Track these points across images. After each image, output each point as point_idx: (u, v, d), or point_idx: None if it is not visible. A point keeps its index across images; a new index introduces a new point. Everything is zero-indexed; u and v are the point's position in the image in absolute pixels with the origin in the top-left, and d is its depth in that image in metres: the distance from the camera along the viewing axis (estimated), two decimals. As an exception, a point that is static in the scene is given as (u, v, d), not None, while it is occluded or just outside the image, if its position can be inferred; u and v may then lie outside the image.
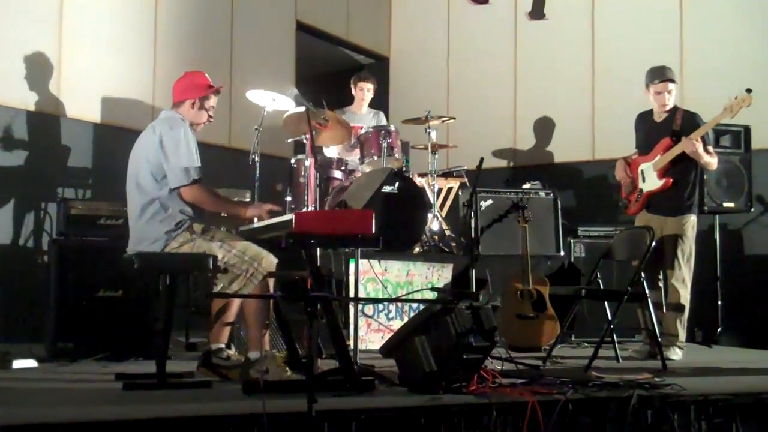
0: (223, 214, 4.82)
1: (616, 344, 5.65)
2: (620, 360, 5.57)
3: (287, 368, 4.33)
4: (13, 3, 6.26)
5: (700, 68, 7.86)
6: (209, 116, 4.79)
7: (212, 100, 4.78)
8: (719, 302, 7.04)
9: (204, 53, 7.75)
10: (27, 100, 6.36)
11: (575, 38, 8.81)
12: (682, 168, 5.84)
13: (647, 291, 5.48)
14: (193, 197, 4.49)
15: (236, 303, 4.55)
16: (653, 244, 5.47)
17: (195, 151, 4.56)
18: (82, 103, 6.72)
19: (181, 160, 4.45)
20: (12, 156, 6.29)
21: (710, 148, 5.88)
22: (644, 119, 6.16)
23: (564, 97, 8.77)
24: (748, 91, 5.61)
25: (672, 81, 5.96)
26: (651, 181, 5.95)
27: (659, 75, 5.97)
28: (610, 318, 5.49)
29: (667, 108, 5.96)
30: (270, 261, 4.45)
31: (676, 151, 5.78)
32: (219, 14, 8.07)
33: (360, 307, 5.51)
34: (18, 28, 6.27)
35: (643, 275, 5.44)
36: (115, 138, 6.81)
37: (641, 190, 6.01)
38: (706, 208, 6.80)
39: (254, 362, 4.32)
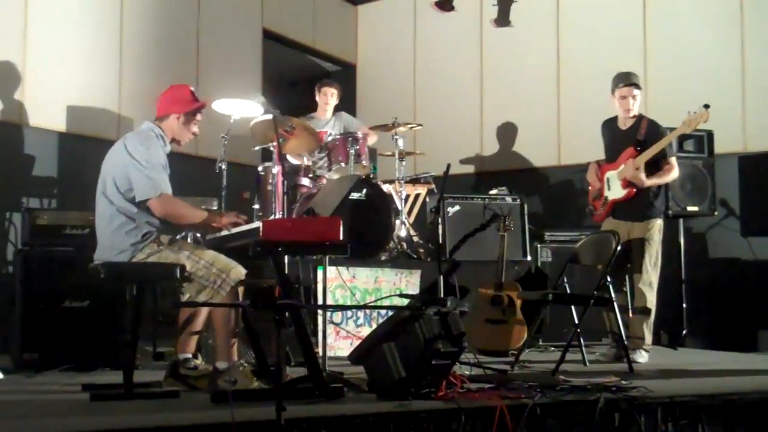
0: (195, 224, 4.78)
1: (583, 348, 5.69)
2: (587, 363, 5.61)
3: (255, 378, 4.32)
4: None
5: (664, 75, 7.95)
6: (194, 132, 4.77)
7: (198, 116, 4.76)
8: (684, 305, 7.12)
9: (170, 62, 7.72)
10: (-10, 109, 6.32)
11: (540, 45, 8.88)
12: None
13: (613, 295, 5.54)
14: (163, 210, 4.44)
15: (203, 313, 4.53)
16: (619, 248, 5.52)
17: (164, 167, 4.54)
18: (47, 112, 6.66)
19: (148, 174, 4.41)
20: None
21: (672, 160, 5.92)
22: (609, 126, 6.21)
23: (530, 104, 8.84)
24: (706, 106, 5.68)
25: (637, 86, 6.01)
26: (616, 189, 6.00)
27: (624, 79, 6.03)
28: (576, 322, 5.54)
29: (632, 114, 6.02)
30: (238, 272, 4.43)
31: (629, 172, 5.86)
32: (185, 23, 8.05)
33: (328, 314, 5.51)
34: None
35: (609, 279, 5.49)
36: (80, 147, 6.77)
37: (606, 198, 6.07)
38: (670, 212, 6.88)
39: (222, 372, 4.31)
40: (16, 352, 5.23)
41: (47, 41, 6.68)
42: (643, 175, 5.78)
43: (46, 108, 6.65)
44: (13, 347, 5.29)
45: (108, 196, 4.46)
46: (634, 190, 5.88)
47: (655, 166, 5.88)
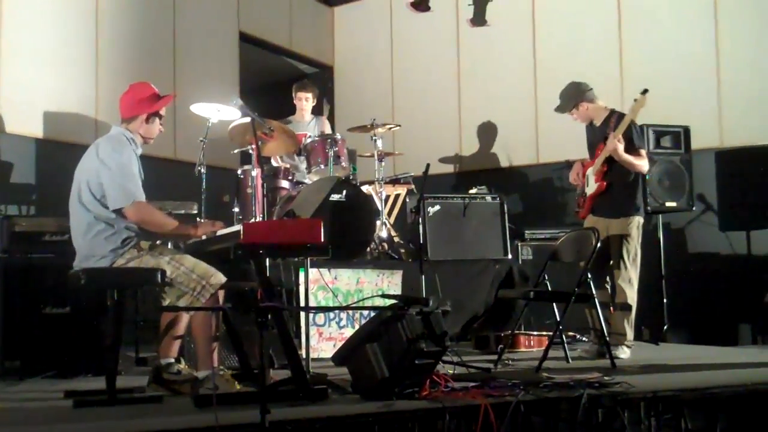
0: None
1: (566, 345, 5.72)
2: (570, 360, 5.63)
3: (236, 382, 4.31)
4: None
5: (640, 72, 8.00)
6: (161, 128, 4.74)
7: (162, 110, 4.74)
8: (665, 300, 7.16)
9: (147, 66, 7.69)
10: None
11: (517, 44, 8.92)
12: (618, 170, 5.92)
13: (594, 291, 5.56)
14: (137, 217, 4.40)
15: (185, 317, 4.51)
16: (598, 245, 5.55)
17: (137, 172, 4.50)
18: (23, 119, 6.61)
19: (121, 181, 4.38)
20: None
21: (642, 151, 5.96)
22: (589, 127, 6.26)
23: (508, 103, 8.88)
24: (645, 91, 5.74)
25: (568, 110, 6.13)
26: (592, 184, 6.05)
27: (561, 108, 6.19)
28: (558, 319, 5.56)
29: (587, 120, 6.13)
30: (218, 278, 4.41)
31: (605, 153, 5.89)
32: (161, 27, 8.02)
33: (311, 316, 5.51)
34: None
35: (589, 276, 5.52)
36: (58, 153, 6.73)
37: (586, 194, 6.11)
38: (649, 208, 6.92)
39: (203, 380, 4.30)
40: (-3, 360, 5.20)
41: (21, 47, 6.63)
42: (620, 147, 5.80)
43: (22, 114, 6.61)
44: (-6, 355, 5.25)
45: (84, 203, 4.42)
46: (605, 183, 5.93)
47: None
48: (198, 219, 6.09)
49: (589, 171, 6.08)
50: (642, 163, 5.93)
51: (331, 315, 5.98)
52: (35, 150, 6.78)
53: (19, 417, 3.91)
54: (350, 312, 6.02)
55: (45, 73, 6.81)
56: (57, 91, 6.91)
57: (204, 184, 6.13)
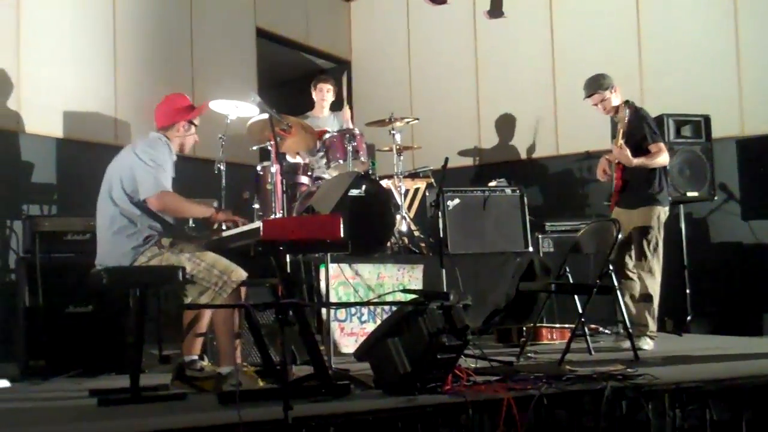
0: (191, 221, 4.80)
1: (588, 337, 5.69)
2: (593, 352, 5.61)
3: (259, 379, 4.32)
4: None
5: (659, 61, 7.95)
6: (196, 137, 4.87)
7: (197, 120, 4.82)
8: (687, 291, 7.12)
9: (164, 64, 7.71)
10: (-14, 117, 6.31)
11: (535, 35, 8.88)
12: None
13: (616, 282, 5.54)
14: (161, 204, 4.47)
15: (207, 314, 4.54)
16: (620, 235, 5.53)
17: (170, 169, 4.59)
18: (43, 119, 6.65)
19: (154, 174, 4.45)
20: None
21: (657, 145, 5.91)
22: (613, 117, 6.23)
23: (526, 94, 8.84)
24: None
25: (592, 95, 6.07)
26: (615, 177, 6.04)
27: (584, 92, 6.12)
28: (580, 311, 5.54)
29: (608, 113, 6.09)
30: (239, 274, 4.44)
31: (614, 158, 5.93)
32: (178, 25, 8.03)
33: (332, 311, 5.51)
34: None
35: (611, 267, 5.49)
36: (78, 152, 6.77)
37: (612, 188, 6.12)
38: (670, 198, 6.86)
39: (226, 377, 4.32)
40: (22, 359, 5.24)
41: (41, 47, 6.66)
42: (627, 152, 5.81)
43: (42, 114, 6.64)
44: (19, 355, 5.29)
45: (113, 198, 4.50)
46: (622, 179, 5.94)
47: (641, 151, 5.90)
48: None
49: (613, 165, 6.07)
50: (658, 159, 5.89)
51: (353, 310, 5.98)
52: (56, 150, 6.81)
53: (44, 416, 3.94)
54: (371, 307, 6.02)
55: (64, 73, 6.83)
56: (76, 90, 6.93)
57: (224, 181, 6.14)
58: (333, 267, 5.57)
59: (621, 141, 5.81)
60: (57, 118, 6.78)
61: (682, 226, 7.25)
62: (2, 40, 6.43)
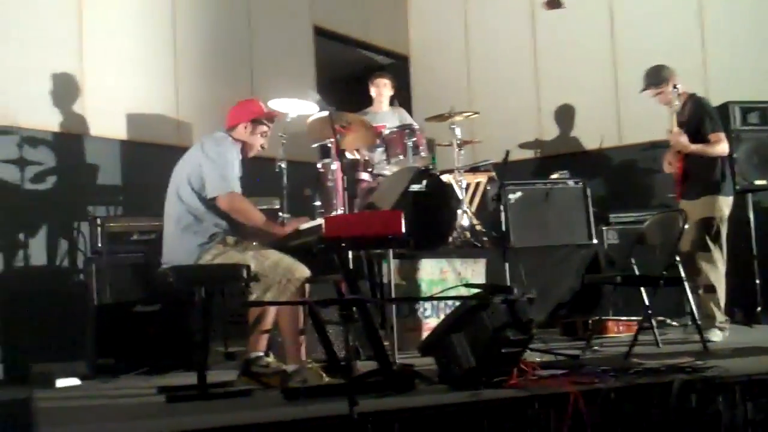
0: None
1: (655, 329, 5.61)
2: (660, 345, 5.52)
3: (324, 375, 4.34)
4: (32, 27, 6.29)
5: (722, 48, 7.79)
6: (263, 143, 4.89)
7: (265, 125, 4.89)
8: (757, 281, 6.96)
9: (224, 65, 7.79)
10: (53, 121, 6.42)
11: (594, 24, 8.76)
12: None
13: (683, 274, 5.45)
14: (230, 205, 4.52)
15: (272, 311, 4.56)
16: (686, 226, 5.44)
17: (237, 168, 4.64)
18: (107, 121, 6.76)
19: (221, 171, 4.50)
20: (41, 178, 6.35)
21: (716, 135, 5.83)
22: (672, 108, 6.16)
23: (587, 85, 8.73)
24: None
25: (650, 86, 5.99)
26: (676, 167, 5.97)
27: (642, 84, 6.02)
28: (646, 303, 5.45)
29: (673, 107, 6.01)
30: (302, 271, 4.47)
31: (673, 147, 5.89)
32: (237, 25, 8.10)
33: (394, 307, 5.51)
34: (39, 52, 6.31)
35: (678, 258, 5.40)
36: (142, 154, 6.87)
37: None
38: (737, 187, 6.72)
39: (292, 373, 4.34)
40: (91, 357, 5.34)
41: (103, 51, 6.77)
42: (684, 138, 5.78)
43: (106, 117, 6.75)
44: (89, 353, 5.40)
45: (181, 196, 4.56)
46: (682, 168, 5.88)
47: (700, 140, 5.84)
48: (280, 214, 6.16)
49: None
50: (717, 148, 5.81)
51: (415, 305, 5.97)
52: (120, 152, 6.92)
53: (116, 412, 4.00)
54: (434, 302, 6.00)
55: (126, 76, 6.94)
56: (138, 93, 7.04)
57: (285, 179, 6.18)
58: (395, 262, 5.56)
59: (676, 128, 5.74)
60: (120, 121, 6.89)
61: (750, 215, 7.08)
62: (66, 46, 6.56)
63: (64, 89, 6.50)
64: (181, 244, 4.51)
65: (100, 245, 5.58)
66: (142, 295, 5.42)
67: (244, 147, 4.82)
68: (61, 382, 4.91)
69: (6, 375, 5.77)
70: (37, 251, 6.25)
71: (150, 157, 6.77)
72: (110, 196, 6.82)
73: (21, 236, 6.21)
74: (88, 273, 5.58)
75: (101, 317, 5.37)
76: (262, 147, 4.93)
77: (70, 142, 6.58)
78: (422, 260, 6.05)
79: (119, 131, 6.88)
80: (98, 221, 5.68)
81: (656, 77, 6.00)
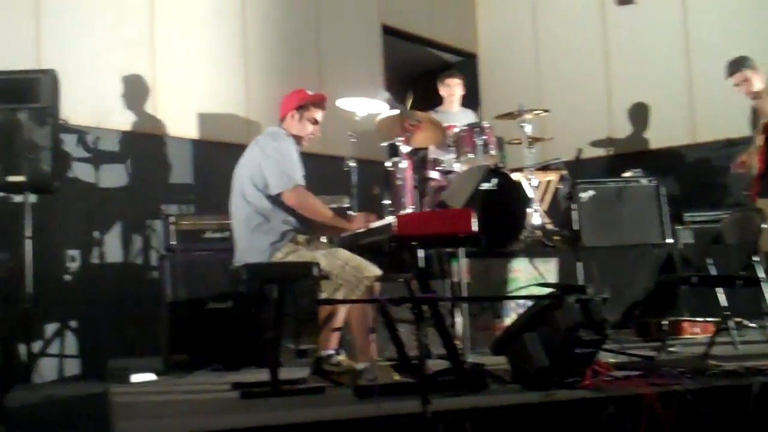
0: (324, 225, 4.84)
1: (733, 331, 5.47)
2: (738, 347, 5.39)
3: (395, 374, 4.33)
4: (104, 29, 6.44)
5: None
6: (313, 130, 4.88)
7: (313, 111, 4.87)
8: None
9: (293, 64, 7.84)
10: (126, 121, 6.56)
11: (667, 19, 8.60)
12: None
13: (763, 274, 5.31)
14: (296, 201, 4.55)
15: (343, 309, 4.58)
16: (763, 225, 5.32)
17: (297, 159, 4.65)
18: (179, 121, 6.88)
19: (282, 167, 4.53)
20: (115, 176, 6.49)
21: None
22: (751, 104, 6.03)
23: (659, 81, 8.57)
24: None
25: (734, 73, 5.87)
26: (754, 165, 5.84)
27: (726, 72, 5.89)
28: (724, 304, 5.34)
29: (751, 94, 5.88)
30: (373, 271, 4.48)
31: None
32: (305, 24, 8.15)
33: (466, 306, 5.48)
34: (111, 53, 6.45)
35: (756, 258, 5.28)
36: (213, 153, 6.96)
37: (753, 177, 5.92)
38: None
39: (362, 371, 4.35)
40: (165, 354, 5.43)
41: (174, 52, 6.89)
42: None
43: (178, 117, 6.87)
44: (163, 349, 5.49)
45: (246, 197, 4.59)
46: (763, 163, 5.70)
47: None
48: (350, 212, 6.17)
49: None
50: None
51: (487, 305, 5.92)
52: (191, 151, 7.03)
53: (191, 407, 4.06)
54: (506, 301, 5.96)
55: (197, 76, 7.04)
56: (209, 92, 7.13)
57: (354, 177, 6.19)
58: (466, 261, 5.53)
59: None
60: (192, 120, 7.00)
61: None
62: (138, 48, 6.68)
63: (137, 90, 6.63)
64: (252, 244, 4.55)
65: (173, 243, 5.66)
66: (215, 292, 5.47)
67: (297, 136, 4.82)
68: (136, 378, 5.00)
69: (83, 370, 5.91)
70: (112, 249, 6.38)
71: (220, 156, 6.82)
72: (182, 195, 6.93)
73: (96, 234, 6.35)
74: (161, 270, 5.67)
75: (175, 314, 5.45)
76: (314, 134, 4.92)
77: (143, 141, 6.70)
78: (493, 259, 6.01)
79: (191, 131, 6.98)
80: (171, 219, 5.77)
81: (743, 62, 5.89)
